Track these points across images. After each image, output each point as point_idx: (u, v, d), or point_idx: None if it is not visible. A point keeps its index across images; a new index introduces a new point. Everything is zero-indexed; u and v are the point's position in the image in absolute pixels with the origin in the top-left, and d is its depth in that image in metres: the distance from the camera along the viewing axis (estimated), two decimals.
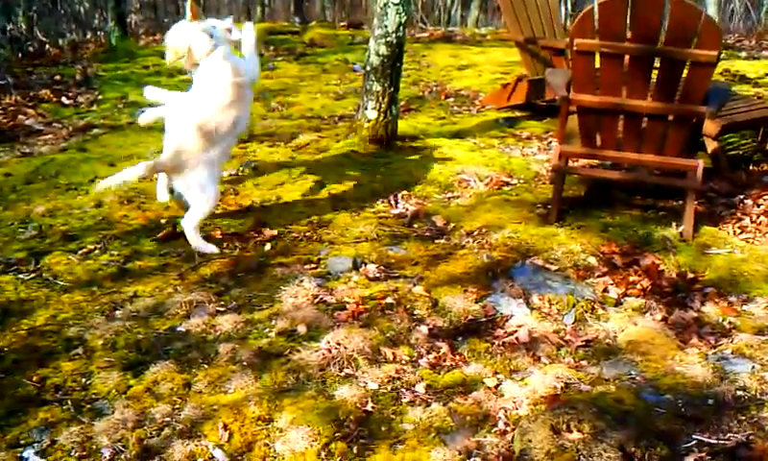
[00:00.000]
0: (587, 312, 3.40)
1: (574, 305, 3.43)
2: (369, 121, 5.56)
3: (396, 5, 5.28)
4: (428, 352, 3.05)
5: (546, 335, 3.19)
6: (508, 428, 2.60)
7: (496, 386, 2.83)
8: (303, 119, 6.64)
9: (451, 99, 7.58)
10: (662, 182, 4.59)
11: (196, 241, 3.99)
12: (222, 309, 3.36)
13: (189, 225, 3.99)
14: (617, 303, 3.49)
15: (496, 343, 3.14)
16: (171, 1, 19.11)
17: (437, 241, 4.16)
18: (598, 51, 4.12)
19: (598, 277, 3.74)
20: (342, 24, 12.80)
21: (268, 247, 4.07)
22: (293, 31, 11.58)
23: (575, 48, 4.12)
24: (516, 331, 3.21)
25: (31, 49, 11.33)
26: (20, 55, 10.78)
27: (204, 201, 3.98)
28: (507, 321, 3.32)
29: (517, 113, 6.87)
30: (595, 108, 4.25)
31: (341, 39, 11.02)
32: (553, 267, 3.80)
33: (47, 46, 11.43)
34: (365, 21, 14.45)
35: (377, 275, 3.71)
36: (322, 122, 6.58)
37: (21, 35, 12.07)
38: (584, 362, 3.03)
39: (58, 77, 8.40)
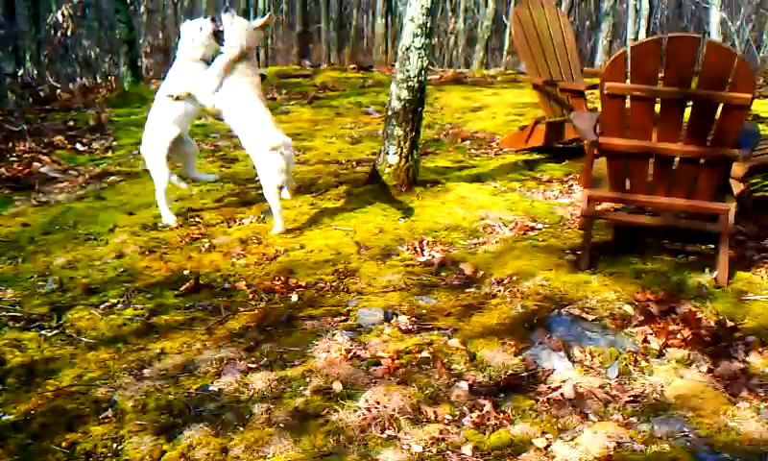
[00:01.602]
0: (630, 365, 3.29)
1: (617, 358, 3.32)
2: (390, 166, 5.50)
3: (419, 49, 5.25)
4: (471, 411, 2.94)
5: (592, 391, 3.08)
6: None
7: (546, 447, 2.71)
8: (321, 164, 6.57)
9: (468, 142, 7.52)
10: (693, 227, 4.50)
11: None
12: (253, 366, 3.26)
13: None
14: (660, 355, 3.38)
15: (541, 400, 3.03)
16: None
17: (467, 290, 4.06)
18: (630, 94, 4.07)
19: (636, 326, 3.63)
20: (352, 66, 12.81)
21: (295, 298, 3.99)
22: (304, 74, 11.57)
23: (606, 92, 4.06)
24: (560, 387, 3.10)
25: (42, 94, 11.34)
26: (32, 100, 10.79)
27: None
28: (549, 375, 3.21)
29: (536, 156, 6.80)
30: (626, 151, 4.18)
31: (352, 82, 11.00)
32: (590, 317, 3.69)
33: (58, 91, 11.44)
34: (373, 63, 14.50)
35: (410, 327, 3.61)
36: (340, 167, 6.52)
37: (32, 79, 12.11)
38: (633, 419, 2.91)
39: (71, 123, 8.37)
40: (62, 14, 12.58)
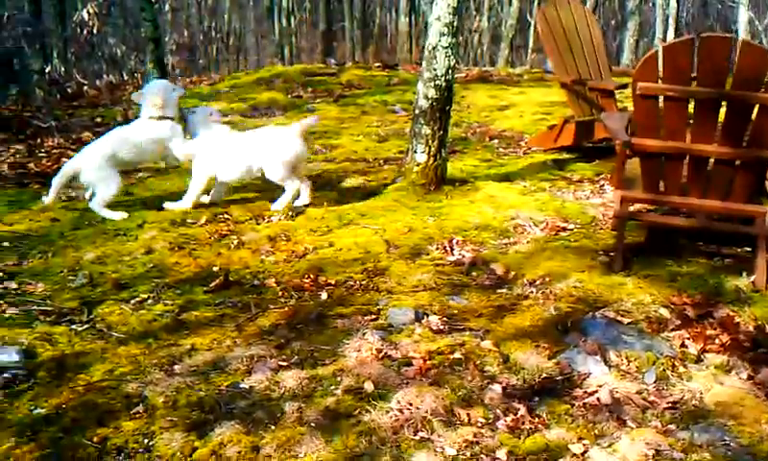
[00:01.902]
0: (668, 370, 3.22)
1: (654, 363, 3.25)
2: (418, 164, 5.46)
3: (446, 48, 5.21)
4: (505, 414, 2.88)
5: (629, 396, 3.02)
6: None
7: (583, 453, 2.65)
8: (348, 162, 6.55)
9: (496, 141, 7.47)
10: (728, 229, 4.42)
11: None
12: (284, 364, 3.22)
13: None
14: (698, 360, 3.31)
15: (576, 404, 2.97)
16: (207, 42, 19.31)
17: (499, 291, 4.01)
18: (662, 95, 4.00)
19: (673, 330, 3.56)
20: (377, 65, 12.77)
21: (325, 296, 3.95)
22: (329, 72, 11.55)
23: (638, 92, 4.00)
24: (596, 391, 3.03)
25: (69, 91, 11.41)
26: (59, 96, 10.85)
27: None
28: (585, 380, 3.15)
29: (565, 155, 6.73)
30: (659, 152, 4.11)
31: (378, 80, 10.97)
32: (625, 320, 3.63)
33: (85, 88, 11.50)
34: (398, 61, 14.45)
35: (441, 327, 3.56)
36: (367, 165, 6.48)
37: (59, 76, 12.18)
38: (672, 426, 2.85)
39: (98, 119, 8.41)
40: (88, 12, 12.65)
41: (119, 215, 5.07)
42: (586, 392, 3.07)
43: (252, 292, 4.01)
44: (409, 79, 11.01)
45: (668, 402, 3.00)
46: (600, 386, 3.08)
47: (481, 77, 11.52)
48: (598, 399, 3.00)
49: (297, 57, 22.60)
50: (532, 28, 25.87)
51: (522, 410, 2.90)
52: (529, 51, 25.74)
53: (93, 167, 5.10)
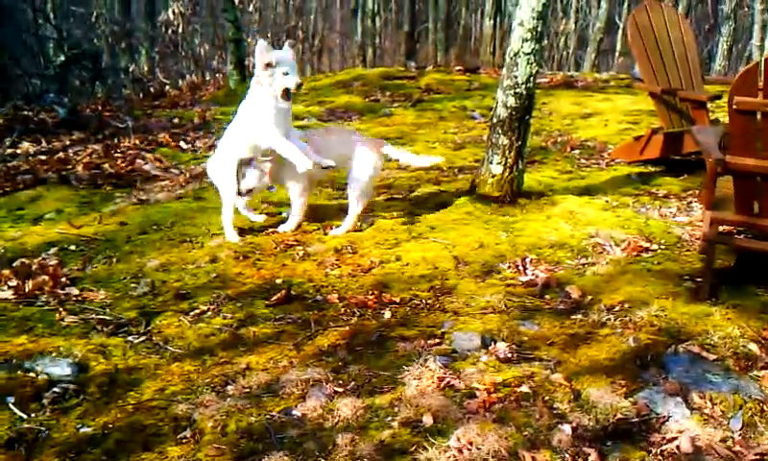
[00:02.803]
0: (756, 415, 2.93)
1: (741, 407, 2.96)
2: (493, 176, 5.24)
3: (528, 54, 4.96)
4: (574, 460, 2.65)
5: (712, 445, 2.74)
6: None
7: None
8: (421, 170, 6.36)
9: (577, 151, 7.16)
10: None
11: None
12: (340, 390, 3.06)
13: None
14: None
15: (653, 451, 2.71)
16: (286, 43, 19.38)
17: (573, 317, 3.76)
18: (762, 110, 3.67)
19: (762, 368, 3.24)
20: (458, 69, 12.55)
21: (388, 315, 3.78)
22: (408, 76, 11.39)
23: (735, 107, 3.68)
24: (675, 438, 2.77)
25: (152, 90, 11.60)
26: (141, 95, 11.04)
27: None
28: (664, 423, 2.88)
29: (651, 168, 6.39)
30: (755, 172, 3.78)
31: (457, 85, 10.75)
32: (711, 356, 3.33)
33: (167, 87, 11.68)
34: (480, 64, 14.19)
35: (509, 355, 3.34)
36: (441, 174, 6.29)
37: (143, 76, 12.41)
38: None
39: (176, 120, 8.47)
40: (173, 12, 12.83)
41: None
42: (664, 438, 2.80)
43: (314, 308, 3.87)
44: (490, 83, 10.76)
45: (756, 454, 2.70)
46: (680, 432, 2.81)
47: (565, 82, 11.18)
48: (678, 446, 2.73)
49: (380, 58, 22.52)
50: (620, 31, 25.22)
51: (593, 456, 2.66)
52: (616, 55, 25.05)
53: None
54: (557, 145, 7.42)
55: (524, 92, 5.06)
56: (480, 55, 19.99)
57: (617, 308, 3.80)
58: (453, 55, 21.30)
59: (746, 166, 3.78)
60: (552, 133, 7.90)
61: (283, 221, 5.00)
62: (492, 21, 21.03)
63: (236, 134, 4.73)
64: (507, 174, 5.21)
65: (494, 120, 5.21)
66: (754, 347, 3.41)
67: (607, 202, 5.48)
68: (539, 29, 4.95)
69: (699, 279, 4.03)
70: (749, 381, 3.15)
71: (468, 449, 2.66)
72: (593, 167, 6.62)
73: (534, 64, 5.00)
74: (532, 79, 5.05)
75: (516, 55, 5.00)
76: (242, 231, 4.87)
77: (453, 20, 24.73)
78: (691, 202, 5.53)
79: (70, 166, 6.43)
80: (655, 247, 4.63)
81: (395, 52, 23.17)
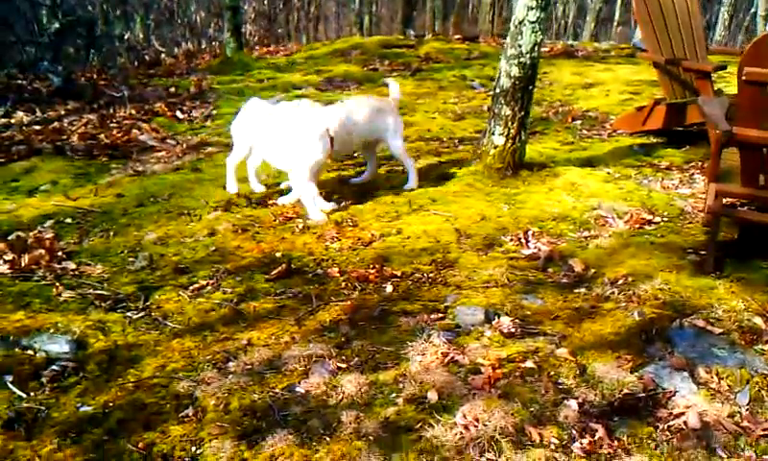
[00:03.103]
0: (762, 390, 2.90)
1: (748, 381, 2.93)
2: (495, 147, 5.17)
3: (533, 23, 4.87)
4: (581, 435, 2.62)
5: (720, 420, 2.71)
6: None
7: None
8: (422, 141, 6.29)
9: (578, 121, 7.08)
10: None
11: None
12: (343, 366, 3.02)
13: None
14: None
15: (661, 427, 2.68)
16: (285, 11, 19.17)
17: (577, 290, 3.72)
18: None
19: None
20: (457, 37, 12.40)
21: (390, 289, 3.74)
22: (408, 44, 11.25)
23: (744, 77, 3.61)
24: (683, 414, 2.74)
25: (147, 58, 11.45)
26: (136, 64, 10.89)
27: None
28: (670, 398, 2.84)
29: (653, 139, 6.33)
30: (763, 144, 3.73)
31: (457, 54, 10.62)
32: (716, 330, 3.29)
33: (162, 55, 11.53)
34: (479, 33, 14.04)
35: (513, 330, 3.30)
36: (441, 145, 6.22)
37: (138, 43, 12.24)
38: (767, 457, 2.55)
39: (172, 89, 8.35)
40: None
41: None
42: (671, 413, 2.77)
43: (315, 282, 3.82)
44: (489, 52, 10.65)
45: (763, 429, 2.68)
46: (688, 407, 2.78)
47: (566, 51, 11.06)
48: (685, 422, 2.71)
49: (376, 25, 22.30)
50: (619, 1, 24.99)
51: (600, 432, 2.64)
52: (614, 24, 24.85)
53: None
54: (558, 115, 7.33)
55: (528, 62, 4.97)
56: (478, 23, 19.82)
57: (621, 282, 3.76)
58: (451, 23, 21.09)
59: (754, 138, 3.72)
60: (553, 104, 7.81)
61: (283, 193, 4.94)
62: None
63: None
64: (509, 145, 5.14)
65: (497, 90, 5.13)
66: (759, 320, 3.38)
67: (609, 173, 5.42)
68: None
69: (703, 252, 4.00)
70: (755, 355, 3.12)
71: (475, 426, 2.63)
72: (595, 138, 6.55)
73: (539, 33, 4.91)
74: (536, 48, 4.96)
75: (520, 23, 4.91)
76: (239, 204, 4.80)
77: None
78: (694, 174, 5.48)
79: (65, 136, 6.33)
80: (657, 219, 4.59)
81: (391, 19, 22.93)
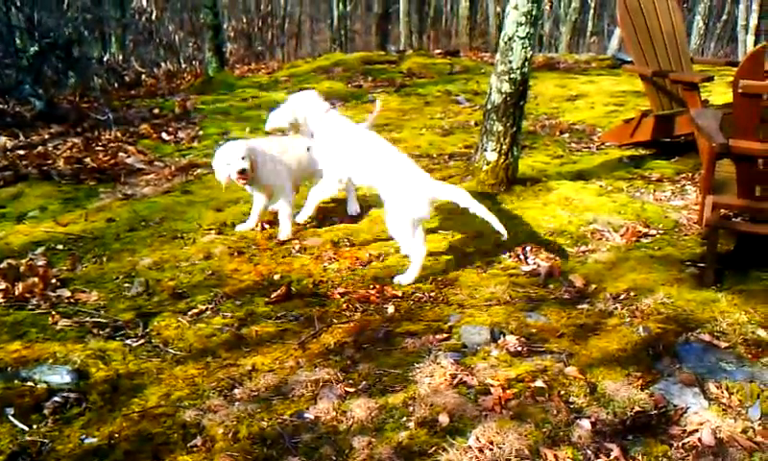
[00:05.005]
0: None
1: (758, 396, 2.92)
2: (488, 163, 5.16)
3: (523, 38, 4.88)
4: (596, 456, 2.60)
5: (734, 436, 2.70)
6: None
7: None
8: (412, 158, 6.25)
9: (566, 134, 7.11)
10: None
11: None
12: (351, 390, 2.98)
13: None
14: None
15: (675, 445, 2.66)
16: (264, 30, 19.15)
17: (579, 306, 3.70)
18: None
19: None
20: (438, 52, 12.44)
21: (391, 309, 3.70)
22: (390, 60, 11.27)
23: (740, 90, 3.63)
24: (696, 431, 2.72)
25: (127, 79, 11.36)
26: (116, 85, 10.80)
27: None
28: (682, 415, 2.83)
29: (642, 151, 6.36)
30: (759, 156, 3.74)
31: (439, 68, 10.65)
32: (722, 344, 3.29)
33: (143, 76, 11.44)
34: (458, 48, 14.09)
35: (519, 349, 3.28)
36: (431, 162, 6.21)
37: (118, 65, 12.15)
38: None
39: (156, 110, 8.28)
40: None
41: None
42: (684, 430, 2.75)
43: (315, 304, 3.78)
44: (471, 66, 10.70)
45: None
46: (701, 424, 2.77)
47: (547, 64, 11.13)
48: (699, 439, 2.69)
49: (351, 40, 22.32)
50: (591, 11, 25.25)
51: (616, 451, 2.61)
52: (587, 35, 25.09)
53: None
54: (546, 129, 7.36)
55: (519, 77, 4.98)
56: (454, 37, 19.91)
57: (623, 297, 3.76)
58: (428, 37, 21.18)
59: (751, 150, 3.74)
60: (539, 117, 7.84)
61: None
62: (467, 2, 20.95)
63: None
64: (502, 161, 5.14)
65: (488, 106, 5.13)
66: (762, 333, 3.39)
67: (601, 187, 5.43)
68: (533, 12, 4.87)
69: (702, 265, 4.01)
70: (762, 368, 3.11)
71: (490, 449, 2.60)
72: (584, 151, 6.57)
73: (528, 49, 4.92)
74: (527, 63, 4.97)
75: (510, 39, 4.92)
76: (234, 225, 4.76)
77: (424, 2, 24.58)
78: (685, 185, 5.50)
79: (51, 161, 6.25)
80: (653, 232, 4.60)
81: (365, 33, 23.00)
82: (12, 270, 4.03)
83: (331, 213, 4.91)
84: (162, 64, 12.62)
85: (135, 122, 7.57)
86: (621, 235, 4.55)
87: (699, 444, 2.67)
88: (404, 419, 2.80)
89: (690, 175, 5.66)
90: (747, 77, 3.60)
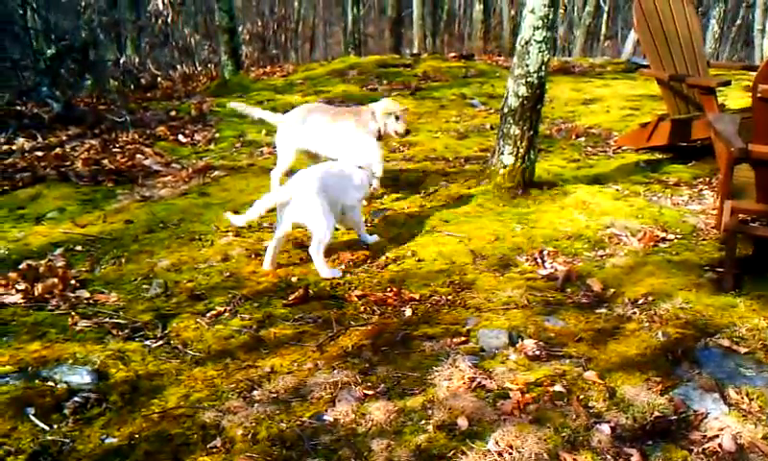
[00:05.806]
0: None
1: None
2: (505, 167, 5.16)
3: (540, 42, 4.88)
4: None
5: (755, 442, 2.69)
6: None
7: None
8: (428, 161, 6.28)
9: (582, 138, 7.09)
10: None
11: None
12: (370, 393, 2.98)
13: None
14: None
15: (695, 450, 2.65)
16: (279, 33, 19.19)
17: (598, 311, 3.69)
18: None
19: None
20: (452, 55, 12.44)
21: (409, 312, 3.71)
22: (404, 63, 11.28)
23: (759, 95, 3.62)
24: (717, 436, 2.71)
25: (143, 82, 11.42)
26: (132, 87, 10.86)
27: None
28: (702, 420, 2.82)
29: (658, 155, 6.34)
30: None
31: (454, 72, 10.64)
32: (742, 349, 3.27)
33: (159, 78, 11.50)
34: (473, 52, 14.09)
35: (537, 353, 3.27)
36: (447, 165, 6.20)
37: (134, 67, 12.21)
38: None
39: (173, 113, 8.32)
40: (163, 2, 12.63)
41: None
42: (705, 436, 2.74)
43: (333, 306, 3.79)
44: (486, 70, 10.69)
45: None
46: (721, 430, 2.75)
47: (562, 68, 11.11)
48: (720, 445, 2.68)
49: (364, 44, 22.33)
50: (605, 15, 25.17)
51: (636, 456, 2.60)
52: (601, 38, 25.01)
53: None
54: (561, 133, 7.34)
55: (536, 81, 4.98)
56: (467, 40, 19.89)
57: (641, 301, 3.74)
58: (442, 41, 21.17)
59: None
60: (555, 121, 7.82)
61: None
62: (481, 5, 20.91)
63: None
64: (519, 164, 5.13)
65: (505, 110, 5.13)
66: None
67: (618, 191, 5.42)
68: (550, 16, 4.87)
69: (720, 270, 3.99)
70: None
71: (509, 453, 2.59)
72: (600, 155, 6.56)
73: (545, 52, 4.92)
74: (544, 67, 4.97)
75: (527, 43, 4.92)
76: (250, 227, 4.78)
77: (438, 4, 24.57)
78: (702, 189, 5.48)
79: (69, 163, 6.29)
80: (671, 237, 4.58)
81: (379, 37, 23.00)
82: (31, 271, 4.06)
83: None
84: (178, 67, 12.68)
85: (152, 124, 7.60)
86: (639, 240, 4.53)
87: (719, 449, 2.66)
88: (423, 422, 2.80)
89: (707, 179, 5.64)
90: (766, 82, 3.58)
